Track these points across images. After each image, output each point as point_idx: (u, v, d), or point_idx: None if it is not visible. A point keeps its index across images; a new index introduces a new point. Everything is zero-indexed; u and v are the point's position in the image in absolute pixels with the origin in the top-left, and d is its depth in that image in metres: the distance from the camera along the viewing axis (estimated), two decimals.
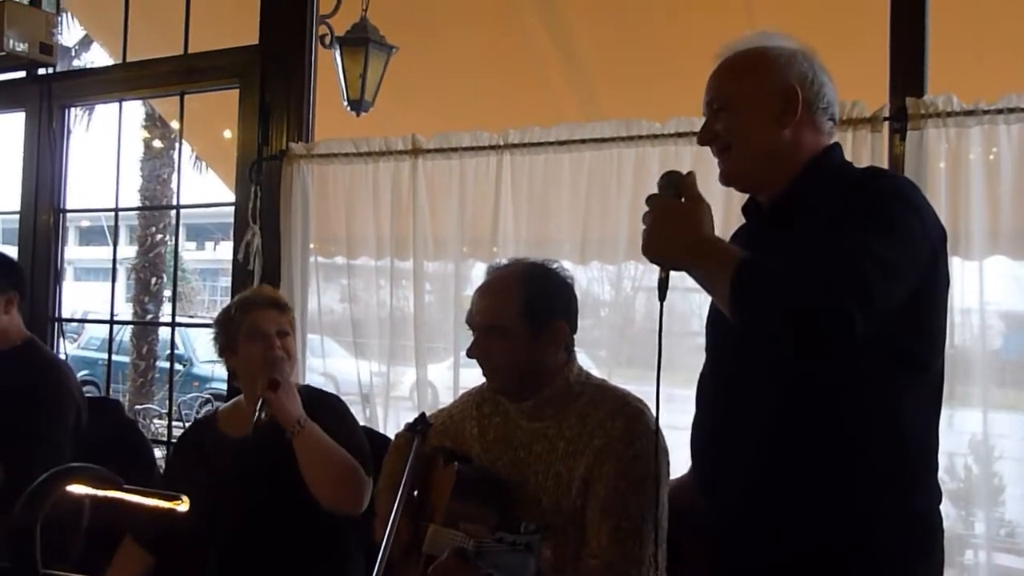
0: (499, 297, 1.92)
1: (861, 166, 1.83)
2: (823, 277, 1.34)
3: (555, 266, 1.99)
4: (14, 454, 2.49)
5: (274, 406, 2.17)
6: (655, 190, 1.56)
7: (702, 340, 1.78)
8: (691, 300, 2.76)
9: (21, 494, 2.39)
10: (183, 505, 1.53)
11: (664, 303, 1.54)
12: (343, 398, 2.53)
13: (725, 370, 1.67)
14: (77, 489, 1.48)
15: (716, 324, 1.72)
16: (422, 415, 2.00)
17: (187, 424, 7.75)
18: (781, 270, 1.38)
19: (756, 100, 1.60)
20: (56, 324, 3.86)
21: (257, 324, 2.30)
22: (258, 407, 2.18)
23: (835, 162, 1.64)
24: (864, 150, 2.38)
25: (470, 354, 1.95)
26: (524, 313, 1.89)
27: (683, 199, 1.53)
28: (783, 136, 1.59)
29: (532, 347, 1.90)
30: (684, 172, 1.57)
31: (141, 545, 2.35)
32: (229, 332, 2.34)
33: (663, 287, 1.54)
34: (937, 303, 1.54)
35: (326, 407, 2.34)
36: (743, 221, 1.80)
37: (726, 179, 1.66)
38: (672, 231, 1.50)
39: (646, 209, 1.53)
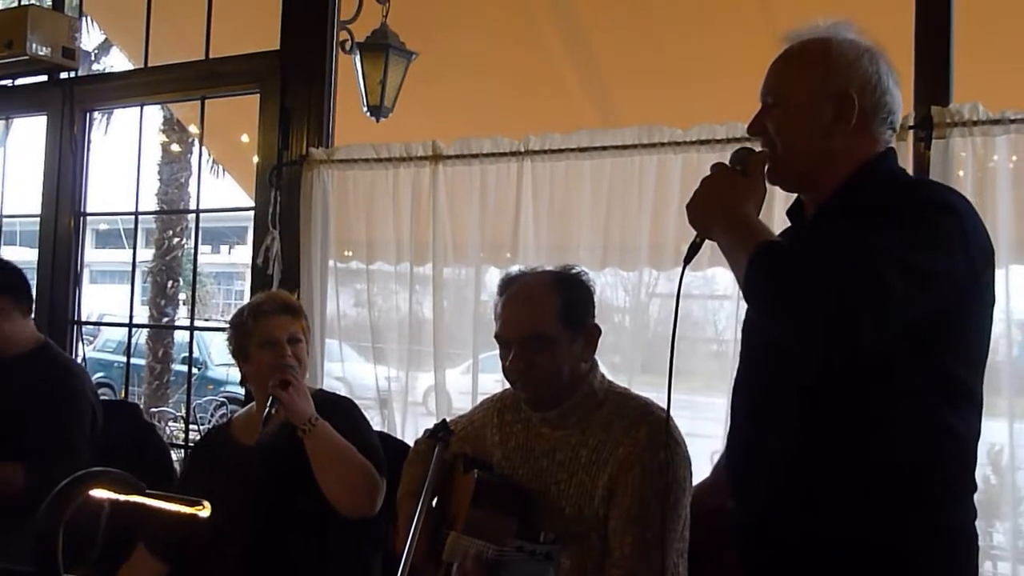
0: (537, 305, 1.89)
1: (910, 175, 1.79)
2: (837, 278, 1.30)
3: (578, 270, 1.98)
4: (33, 460, 2.49)
5: (285, 403, 2.16)
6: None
7: (716, 347, 1.77)
8: (707, 307, 2.76)
9: (43, 499, 2.41)
10: (204, 511, 1.53)
11: (687, 265, 1.56)
12: (359, 403, 2.52)
13: (757, 375, 1.66)
14: (99, 493, 1.48)
15: (752, 333, 1.70)
16: (443, 422, 1.99)
17: (203, 427, 7.83)
18: (800, 262, 1.36)
19: (809, 101, 1.53)
20: (75, 327, 3.88)
21: (268, 332, 2.30)
22: (268, 404, 2.17)
23: (886, 169, 1.57)
24: None
25: (511, 367, 1.89)
26: (564, 318, 1.87)
27: (746, 175, 1.53)
28: (831, 143, 1.53)
29: (573, 352, 1.88)
30: (758, 151, 1.56)
31: (154, 554, 2.33)
32: (241, 338, 2.34)
33: (693, 251, 1.55)
34: (977, 323, 1.50)
35: (338, 409, 2.33)
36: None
37: (771, 178, 1.60)
38: (714, 196, 1.52)
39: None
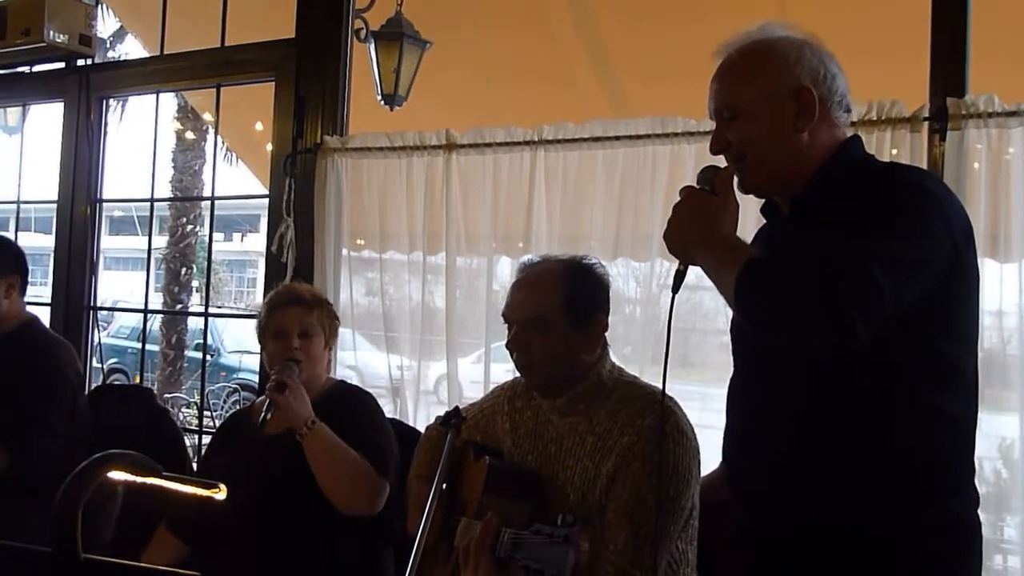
0: (540, 290, 1.90)
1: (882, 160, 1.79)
2: (827, 280, 1.30)
3: (593, 262, 1.98)
4: (10, 436, 2.51)
5: (281, 407, 2.17)
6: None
7: (727, 338, 1.77)
8: (717, 298, 2.75)
9: (20, 477, 2.43)
10: (220, 493, 1.54)
11: (676, 295, 1.55)
12: (371, 391, 2.53)
13: (750, 372, 1.66)
14: (117, 475, 1.49)
15: (738, 327, 1.70)
16: (455, 409, 2.00)
17: (215, 414, 7.87)
18: (787, 272, 1.36)
19: (768, 105, 1.53)
20: (91, 312, 3.91)
21: (279, 323, 2.32)
22: (264, 408, 2.19)
23: (856, 156, 1.58)
24: (903, 150, 2.35)
25: (509, 346, 1.92)
26: (566, 306, 1.88)
27: (715, 194, 1.52)
28: (800, 139, 1.53)
29: (572, 341, 1.88)
30: (723, 167, 1.55)
31: (174, 533, 2.37)
32: (260, 327, 2.38)
33: (679, 279, 1.54)
34: (964, 300, 1.50)
35: (350, 404, 2.34)
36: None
37: (745, 189, 1.60)
38: (690, 222, 1.51)
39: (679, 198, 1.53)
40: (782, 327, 1.37)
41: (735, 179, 1.56)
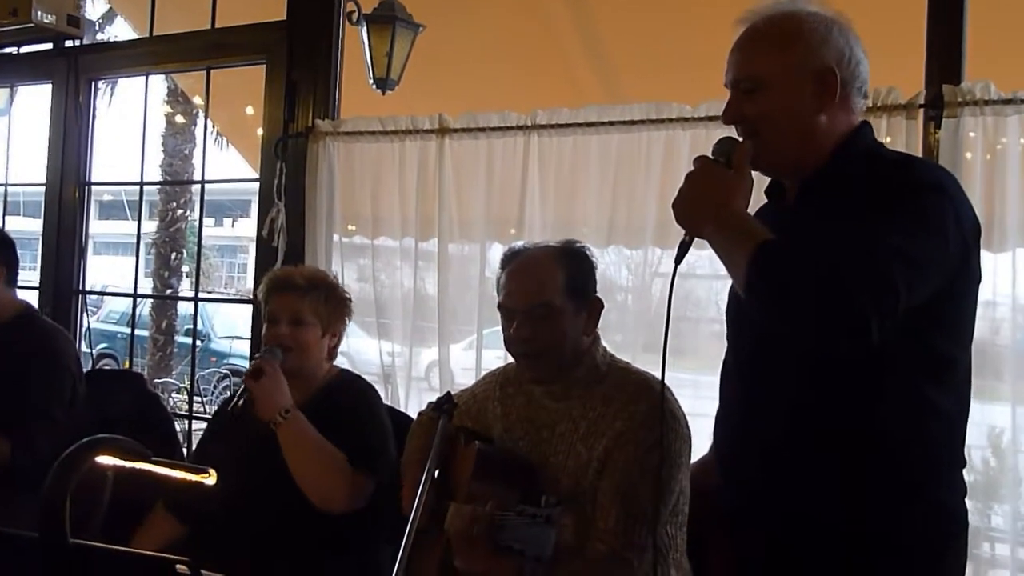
0: (541, 275, 1.89)
1: (894, 150, 1.79)
2: (844, 275, 1.28)
3: (581, 245, 1.98)
4: (12, 429, 2.51)
5: (255, 394, 2.14)
6: (683, 174, 1.54)
7: (719, 327, 1.76)
8: (710, 287, 2.76)
9: (23, 468, 2.43)
10: (210, 479, 1.53)
11: (678, 266, 1.51)
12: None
13: (746, 358, 1.65)
14: (105, 460, 1.48)
15: (736, 311, 1.69)
16: (447, 394, 1.99)
17: (206, 399, 7.86)
18: (801, 260, 1.33)
19: (790, 82, 1.50)
20: (80, 297, 3.89)
21: (273, 308, 2.30)
22: (238, 394, 2.15)
23: (866, 143, 1.56)
24: (899, 137, 2.35)
25: (515, 337, 1.89)
26: (568, 289, 1.88)
27: (731, 168, 1.49)
28: (818, 121, 1.51)
29: (576, 324, 1.89)
30: (741, 140, 1.53)
31: (171, 512, 2.36)
32: (262, 311, 2.37)
33: (683, 250, 1.51)
34: (967, 300, 1.50)
35: (351, 396, 2.31)
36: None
37: (755, 164, 1.56)
38: (703, 194, 1.47)
39: (679, 185, 1.50)
40: (795, 319, 1.34)
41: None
